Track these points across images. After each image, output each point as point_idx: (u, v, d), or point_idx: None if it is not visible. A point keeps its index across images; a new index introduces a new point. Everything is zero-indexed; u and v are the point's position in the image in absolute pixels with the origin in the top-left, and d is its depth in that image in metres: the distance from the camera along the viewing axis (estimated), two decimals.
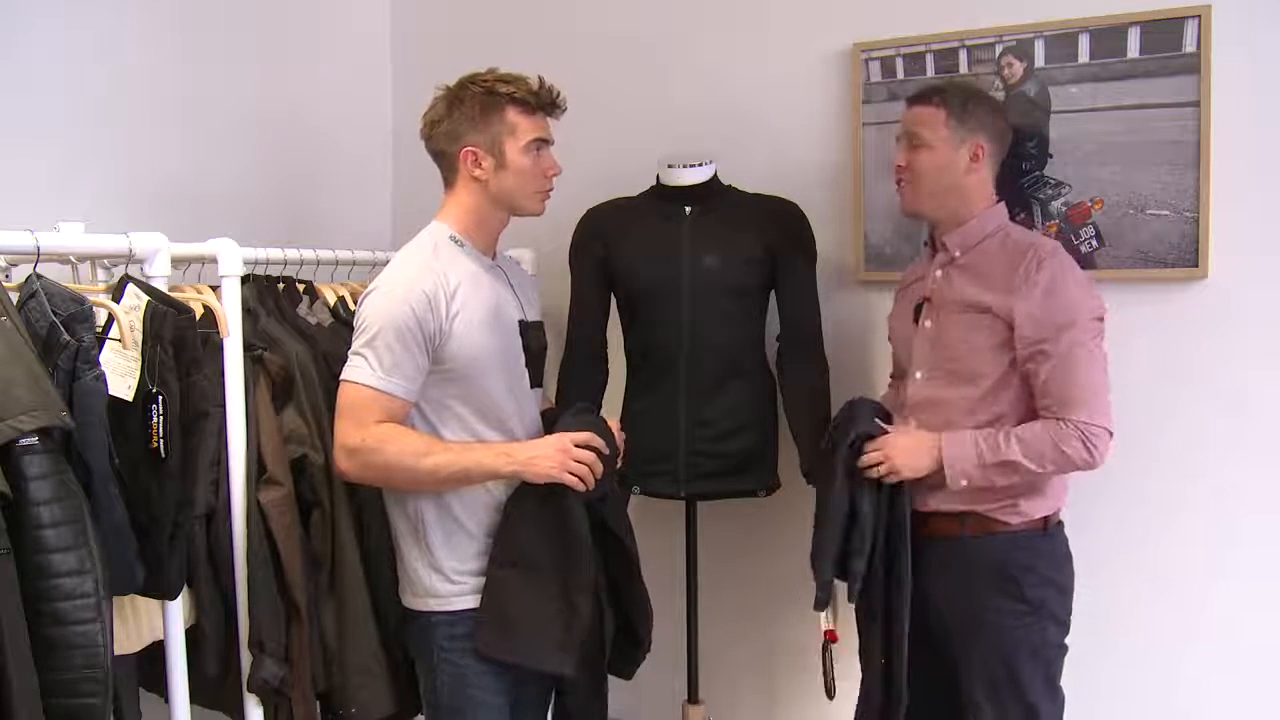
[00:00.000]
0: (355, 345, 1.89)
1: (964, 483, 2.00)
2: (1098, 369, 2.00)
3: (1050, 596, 2.03)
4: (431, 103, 2.00)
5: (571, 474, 1.89)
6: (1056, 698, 2.06)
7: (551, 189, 2.04)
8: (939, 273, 2.13)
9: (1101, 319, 2.02)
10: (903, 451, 2.03)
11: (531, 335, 2.05)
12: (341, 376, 1.90)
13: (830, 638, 2.20)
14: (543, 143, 1.99)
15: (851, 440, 2.07)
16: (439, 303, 1.88)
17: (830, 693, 2.21)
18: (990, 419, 2.03)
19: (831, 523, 2.06)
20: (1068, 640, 2.07)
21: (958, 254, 2.10)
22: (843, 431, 2.10)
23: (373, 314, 1.87)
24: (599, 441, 1.94)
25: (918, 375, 2.14)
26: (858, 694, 2.18)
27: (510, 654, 1.92)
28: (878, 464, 2.04)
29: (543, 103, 1.98)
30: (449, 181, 2.01)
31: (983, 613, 2.03)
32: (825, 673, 2.21)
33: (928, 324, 2.14)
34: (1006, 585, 2.02)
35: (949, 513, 2.06)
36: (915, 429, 2.08)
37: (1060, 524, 2.11)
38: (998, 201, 2.14)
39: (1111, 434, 1.97)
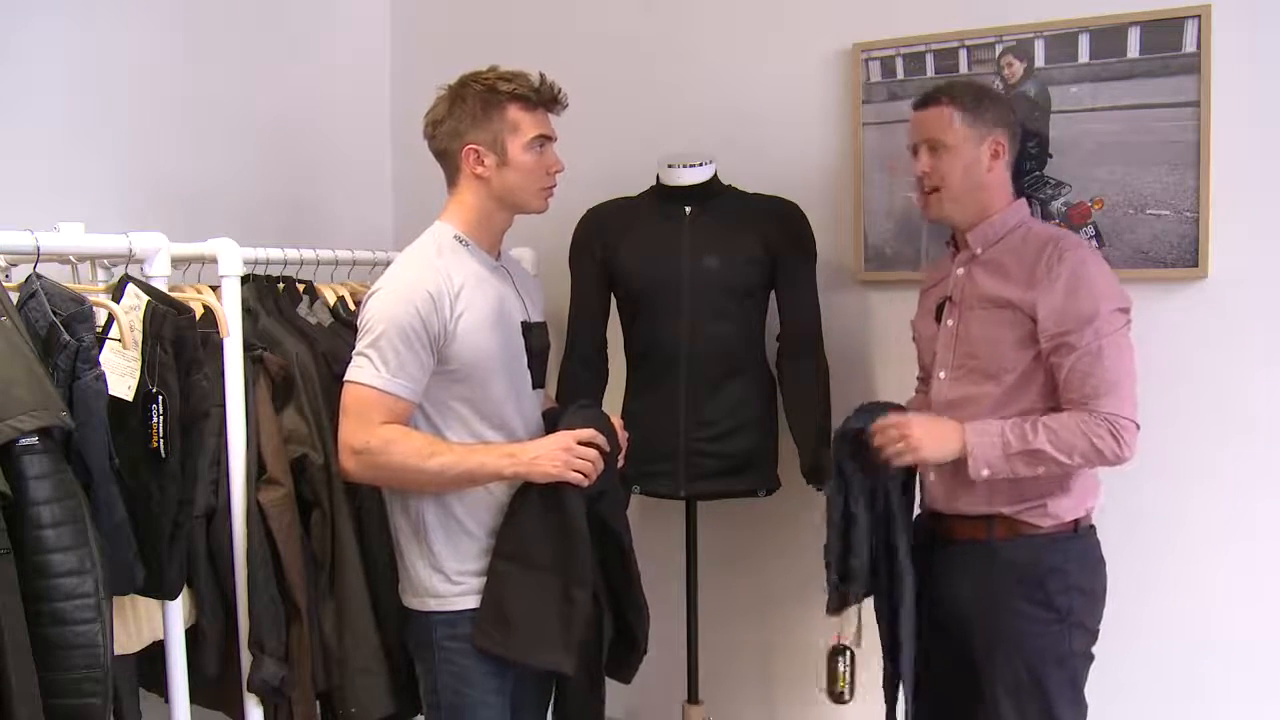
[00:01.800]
0: (359, 345, 1.88)
1: (985, 472, 1.92)
2: (1124, 360, 1.93)
3: (1078, 604, 1.97)
4: (433, 102, 1.99)
5: (575, 471, 1.89)
6: (1080, 707, 2.01)
7: (555, 186, 2.02)
8: (961, 271, 2.08)
9: (1126, 310, 1.96)
10: (927, 432, 1.95)
11: (535, 336, 2.05)
12: (345, 377, 1.89)
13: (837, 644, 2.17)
14: (545, 139, 1.99)
15: (845, 433, 2.03)
16: (443, 303, 1.87)
17: (840, 699, 2.18)
18: (1016, 414, 1.96)
19: (831, 524, 2.03)
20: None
21: (979, 250, 2.05)
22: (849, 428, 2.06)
23: (377, 314, 1.87)
24: (601, 439, 1.94)
25: (941, 375, 2.09)
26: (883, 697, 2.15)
27: (506, 650, 1.92)
28: (896, 443, 1.95)
29: (544, 99, 1.97)
30: (452, 181, 2.00)
31: (1008, 618, 1.97)
32: (839, 678, 2.16)
33: (950, 322, 2.09)
34: (1033, 591, 1.96)
35: (975, 516, 2.01)
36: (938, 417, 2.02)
37: (1092, 526, 2.04)
38: (1018, 197, 2.09)
39: (1139, 426, 1.91)
